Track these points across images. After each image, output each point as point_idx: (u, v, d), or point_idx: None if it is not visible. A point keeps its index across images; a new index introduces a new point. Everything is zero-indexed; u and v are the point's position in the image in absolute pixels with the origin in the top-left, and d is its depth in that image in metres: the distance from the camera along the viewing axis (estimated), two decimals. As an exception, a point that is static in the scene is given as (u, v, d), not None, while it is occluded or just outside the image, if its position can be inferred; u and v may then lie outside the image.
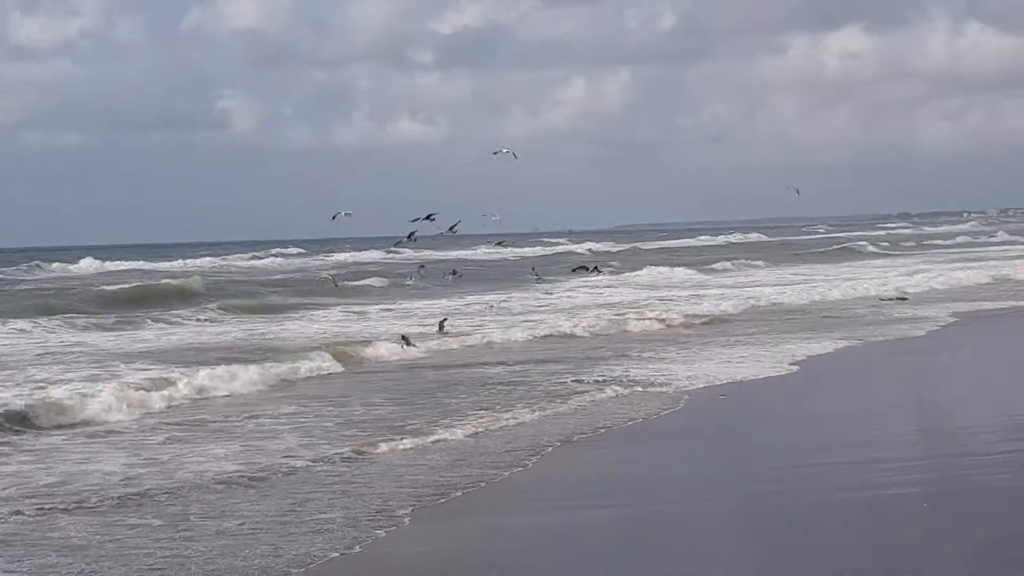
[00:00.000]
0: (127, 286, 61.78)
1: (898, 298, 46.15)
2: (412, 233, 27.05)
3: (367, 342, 33.84)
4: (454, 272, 43.49)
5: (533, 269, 56.23)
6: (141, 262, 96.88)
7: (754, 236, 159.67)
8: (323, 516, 14.67)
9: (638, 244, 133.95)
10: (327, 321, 44.49)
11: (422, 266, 49.54)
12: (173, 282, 64.70)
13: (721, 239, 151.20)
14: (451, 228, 27.26)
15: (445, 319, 37.31)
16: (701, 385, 25.82)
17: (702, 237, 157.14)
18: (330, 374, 29.42)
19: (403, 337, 31.67)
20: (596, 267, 34.08)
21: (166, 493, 15.99)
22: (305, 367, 29.22)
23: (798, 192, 44.91)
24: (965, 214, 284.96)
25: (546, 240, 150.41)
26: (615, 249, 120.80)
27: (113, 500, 15.70)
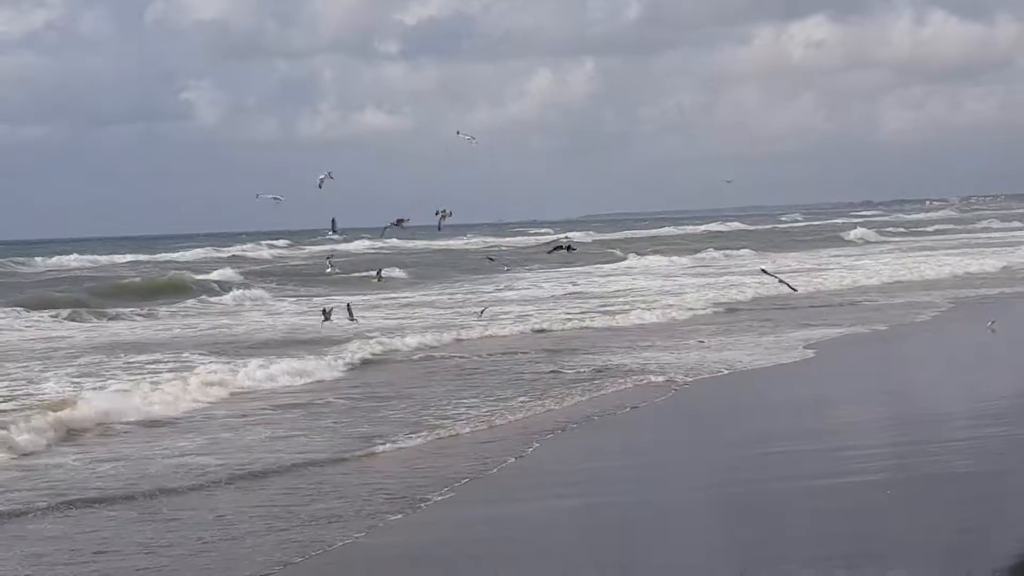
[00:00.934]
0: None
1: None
2: (400, 221, 25.68)
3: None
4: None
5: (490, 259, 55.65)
6: (139, 255, 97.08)
7: (735, 225, 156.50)
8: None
9: (619, 234, 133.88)
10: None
11: (329, 256, 49.37)
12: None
13: (702, 228, 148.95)
14: (399, 222, 27.86)
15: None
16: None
17: (686, 227, 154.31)
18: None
19: (324, 312, 29.79)
20: (570, 246, 36.46)
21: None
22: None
23: (729, 182, 45.15)
24: (928, 202, 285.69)
25: (517, 228, 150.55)
26: (602, 238, 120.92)
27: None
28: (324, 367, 28.06)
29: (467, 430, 20.25)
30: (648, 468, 17.35)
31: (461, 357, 30.51)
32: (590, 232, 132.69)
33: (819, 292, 48.07)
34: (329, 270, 42.55)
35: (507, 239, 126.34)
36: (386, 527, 14.01)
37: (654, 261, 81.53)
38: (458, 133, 26.02)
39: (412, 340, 32.91)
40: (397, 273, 69.42)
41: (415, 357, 30.79)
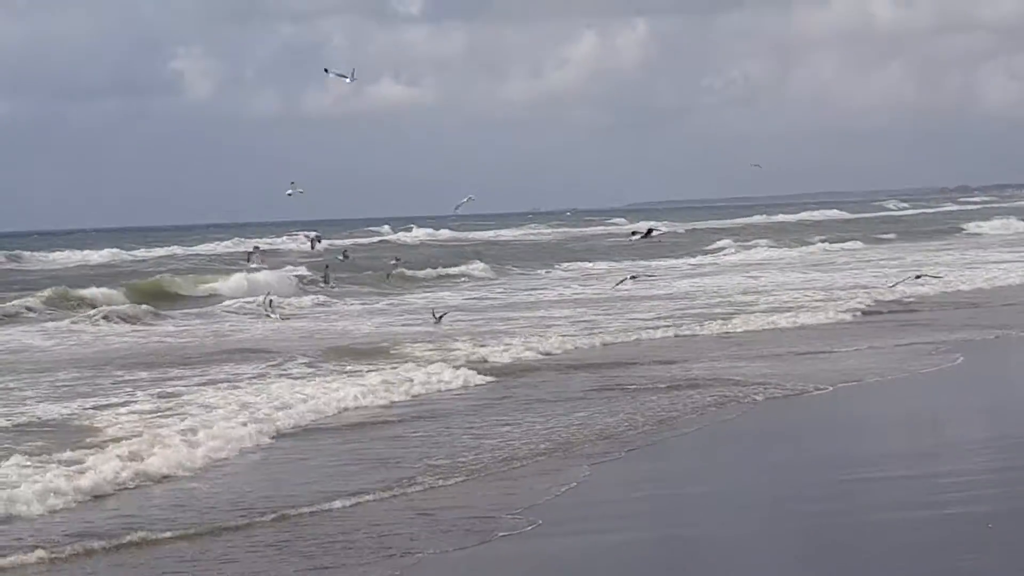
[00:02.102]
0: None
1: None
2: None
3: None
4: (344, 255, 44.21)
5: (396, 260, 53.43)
6: (174, 248, 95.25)
7: (833, 212, 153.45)
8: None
9: (701, 223, 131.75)
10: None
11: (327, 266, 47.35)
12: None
13: (795, 217, 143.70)
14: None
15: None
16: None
17: (776, 215, 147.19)
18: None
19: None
20: (650, 230, 35.29)
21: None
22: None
23: (757, 166, 45.88)
24: None
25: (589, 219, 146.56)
26: (692, 227, 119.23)
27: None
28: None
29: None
30: (727, 495, 16.81)
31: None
32: (667, 222, 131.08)
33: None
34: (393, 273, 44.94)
35: (587, 229, 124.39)
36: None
37: (761, 254, 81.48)
38: (327, 71, 27.99)
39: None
40: (479, 269, 70.26)
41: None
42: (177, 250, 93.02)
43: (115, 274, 70.80)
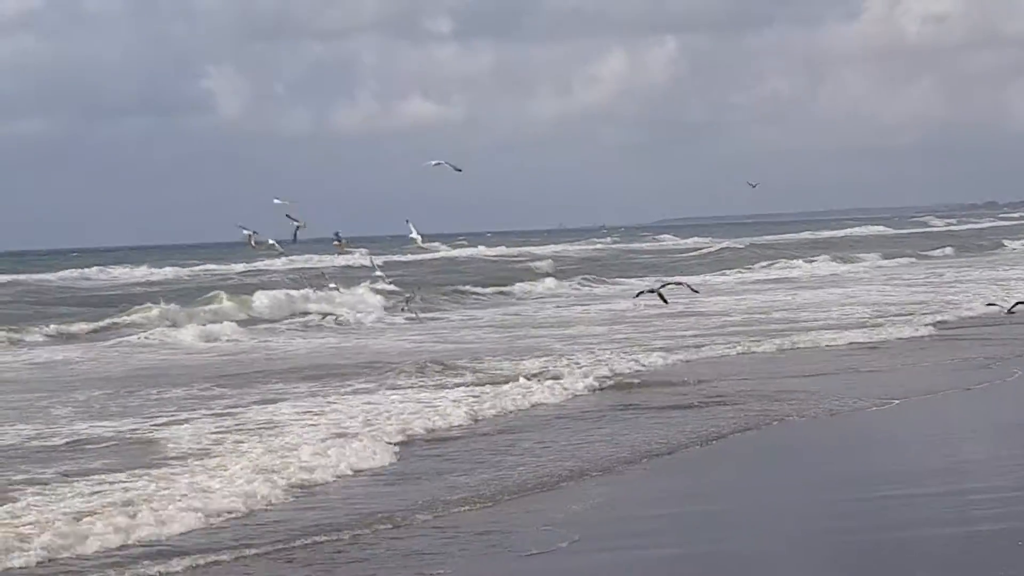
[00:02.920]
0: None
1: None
2: None
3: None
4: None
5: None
6: (232, 265, 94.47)
7: (879, 228, 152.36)
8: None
9: (739, 240, 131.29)
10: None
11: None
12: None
13: (842, 233, 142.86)
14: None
15: None
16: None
17: (821, 232, 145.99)
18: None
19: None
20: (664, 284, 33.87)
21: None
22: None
23: (754, 186, 44.47)
24: None
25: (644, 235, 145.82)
26: (732, 245, 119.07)
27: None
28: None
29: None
30: (756, 512, 16.61)
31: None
32: (718, 238, 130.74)
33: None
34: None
35: (643, 244, 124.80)
36: None
37: (827, 268, 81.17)
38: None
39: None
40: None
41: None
42: (236, 267, 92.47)
43: (207, 288, 71.47)
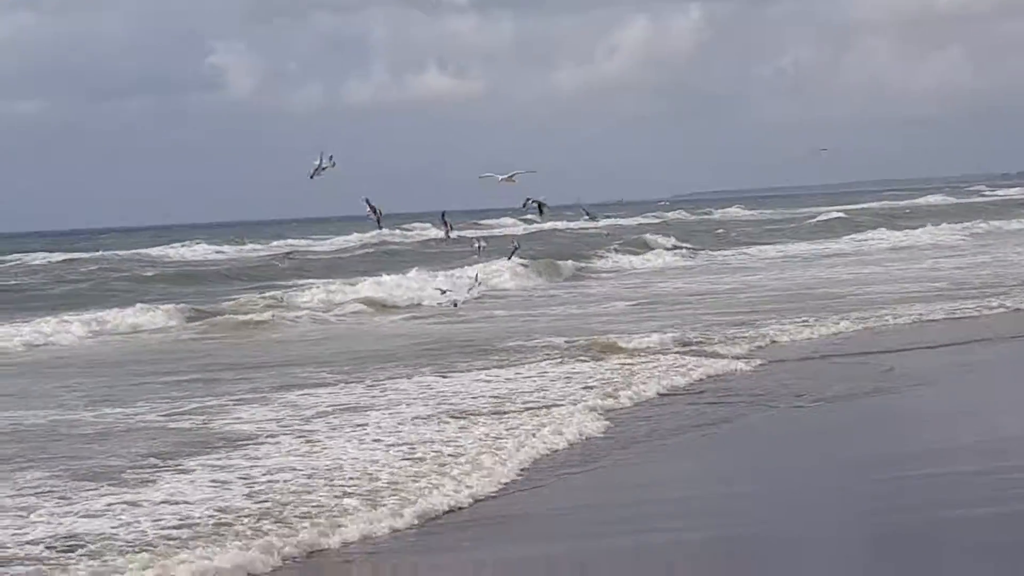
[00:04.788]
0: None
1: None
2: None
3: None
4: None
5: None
6: (289, 240, 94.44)
7: (937, 198, 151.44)
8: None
9: (803, 209, 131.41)
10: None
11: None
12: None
13: (877, 204, 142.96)
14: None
15: None
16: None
17: (848, 205, 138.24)
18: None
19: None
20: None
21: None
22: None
23: (824, 150, 46.21)
24: None
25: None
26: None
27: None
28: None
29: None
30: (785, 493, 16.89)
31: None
32: (740, 207, 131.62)
33: None
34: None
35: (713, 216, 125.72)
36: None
37: (911, 238, 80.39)
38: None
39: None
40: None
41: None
42: (293, 242, 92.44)
43: (285, 269, 72.65)
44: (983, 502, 15.15)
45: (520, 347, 31.59)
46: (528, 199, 26.80)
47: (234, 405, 24.63)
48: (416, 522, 15.68)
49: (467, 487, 17.20)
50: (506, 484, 17.33)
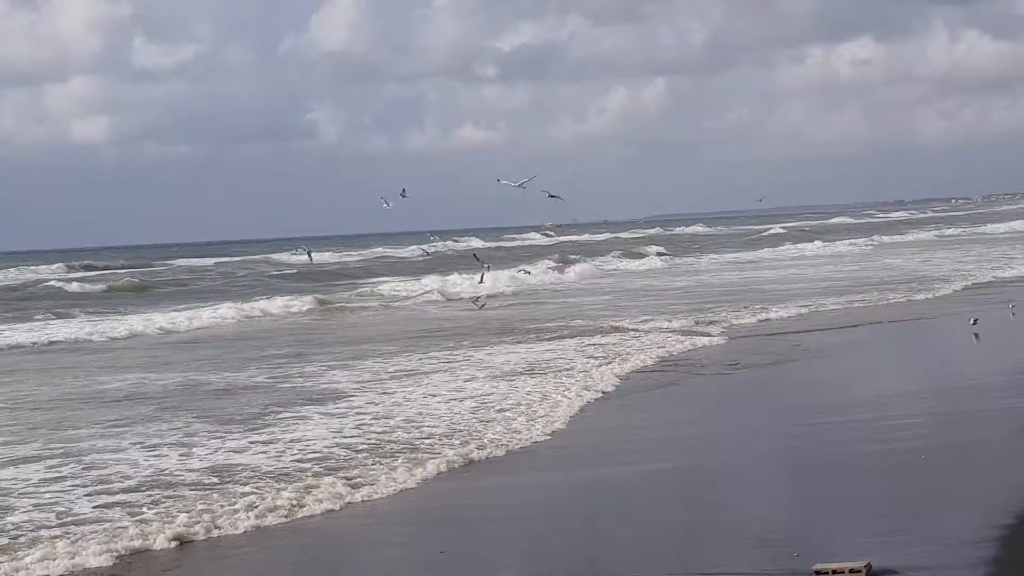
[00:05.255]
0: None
1: None
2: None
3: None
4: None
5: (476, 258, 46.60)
6: (378, 249, 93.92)
7: (845, 219, 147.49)
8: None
9: (733, 228, 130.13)
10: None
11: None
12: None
13: (814, 223, 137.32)
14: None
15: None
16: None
17: (788, 223, 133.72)
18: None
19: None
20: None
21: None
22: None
23: (760, 200, 44.40)
24: (954, 200, 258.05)
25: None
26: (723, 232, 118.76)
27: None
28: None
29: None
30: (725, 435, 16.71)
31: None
32: (702, 225, 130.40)
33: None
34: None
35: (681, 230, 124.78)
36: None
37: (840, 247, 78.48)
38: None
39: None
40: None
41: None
42: (380, 251, 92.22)
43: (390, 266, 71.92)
44: (869, 441, 15.17)
45: (548, 328, 31.01)
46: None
47: (327, 370, 24.33)
48: (502, 453, 15.58)
49: (532, 429, 16.96)
50: (554, 431, 17.04)
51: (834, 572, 9.53)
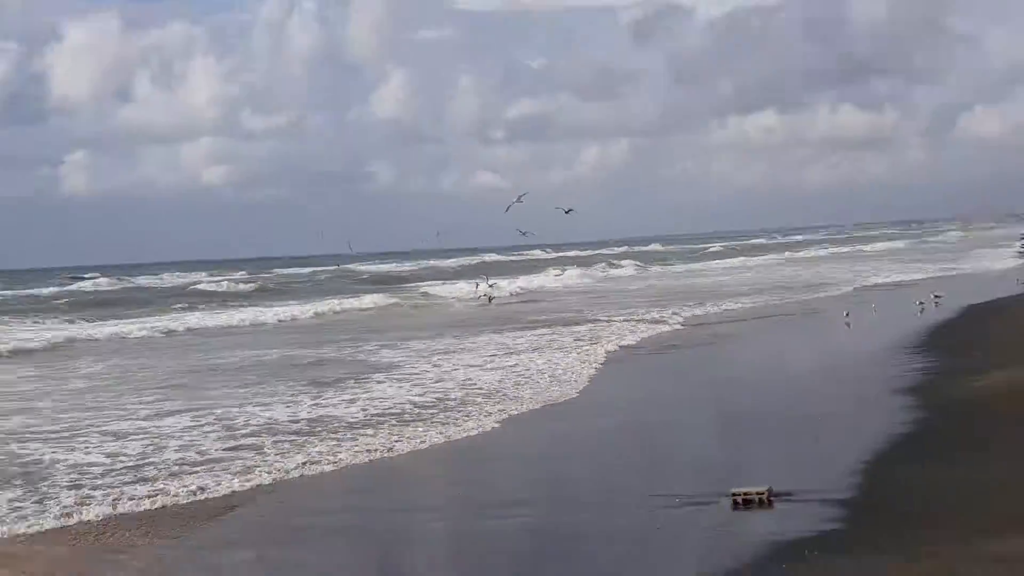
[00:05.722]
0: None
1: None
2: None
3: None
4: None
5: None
6: (430, 261, 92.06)
7: (762, 239, 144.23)
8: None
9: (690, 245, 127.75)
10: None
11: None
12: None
13: (741, 242, 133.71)
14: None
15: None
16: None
17: (728, 242, 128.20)
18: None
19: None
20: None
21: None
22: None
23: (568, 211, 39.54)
24: (834, 227, 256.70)
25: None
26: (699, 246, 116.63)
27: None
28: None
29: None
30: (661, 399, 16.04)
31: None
32: (659, 244, 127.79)
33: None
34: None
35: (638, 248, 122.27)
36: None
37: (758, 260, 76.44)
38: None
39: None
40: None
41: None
42: (431, 263, 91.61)
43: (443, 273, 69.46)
44: (771, 394, 15.26)
45: (547, 320, 30.28)
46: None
47: (380, 348, 23.86)
48: (537, 406, 15.30)
49: (548, 392, 16.51)
50: (580, 390, 16.63)
51: (745, 494, 9.51)
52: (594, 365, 19.22)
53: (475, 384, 17.18)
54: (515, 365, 19.36)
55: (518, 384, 17.01)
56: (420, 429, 13.52)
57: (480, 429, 13.60)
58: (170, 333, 32.10)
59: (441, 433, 13.34)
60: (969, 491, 9.11)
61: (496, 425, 13.85)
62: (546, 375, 18.02)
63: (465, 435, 13.30)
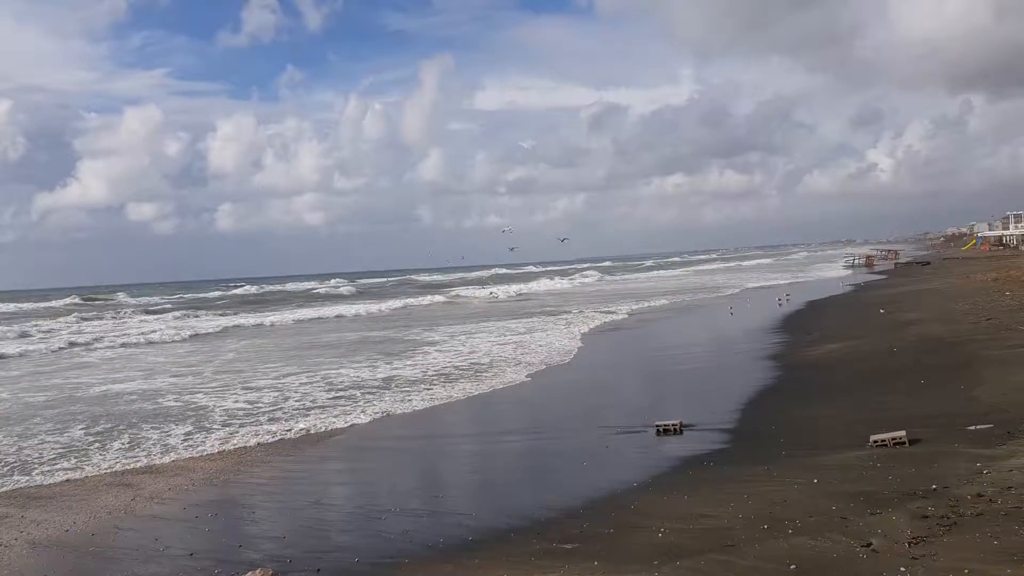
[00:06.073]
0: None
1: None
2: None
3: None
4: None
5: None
6: (459, 273, 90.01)
7: (707, 256, 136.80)
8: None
9: (629, 263, 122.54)
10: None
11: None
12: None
13: (663, 259, 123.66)
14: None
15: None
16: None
17: (668, 259, 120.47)
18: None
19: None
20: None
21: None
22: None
23: (563, 240, 35.73)
24: (722, 250, 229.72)
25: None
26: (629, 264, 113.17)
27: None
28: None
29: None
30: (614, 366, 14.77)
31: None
32: (609, 262, 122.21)
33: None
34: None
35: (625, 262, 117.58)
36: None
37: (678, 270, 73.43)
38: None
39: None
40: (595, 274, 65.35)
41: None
42: (461, 274, 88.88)
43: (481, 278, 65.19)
44: (682, 358, 14.74)
45: (539, 312, 29.30)
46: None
47: (425, 331, 23.03)
48: (543, 367, 14.63)
49: (546, 356, 16.00)
50: (571, 356, 15.97)
51: (664, 425, 9.43)
52: (575, 341, 18.57)
53: (497, 353, 16.71)
54: (520, 342, 18.71)
55: (524, 353, 16.52)
56: (461, 384, 13.29)
57: (510, 382, 13.27)
58: (296, 321, 30.91)
59: (477, 387, 13.07)
60: (808, 423, 9.19)
61: (527, 379, 13.46)
62: (544, 347, 17.48)
63: (491, 389, 12.91)
